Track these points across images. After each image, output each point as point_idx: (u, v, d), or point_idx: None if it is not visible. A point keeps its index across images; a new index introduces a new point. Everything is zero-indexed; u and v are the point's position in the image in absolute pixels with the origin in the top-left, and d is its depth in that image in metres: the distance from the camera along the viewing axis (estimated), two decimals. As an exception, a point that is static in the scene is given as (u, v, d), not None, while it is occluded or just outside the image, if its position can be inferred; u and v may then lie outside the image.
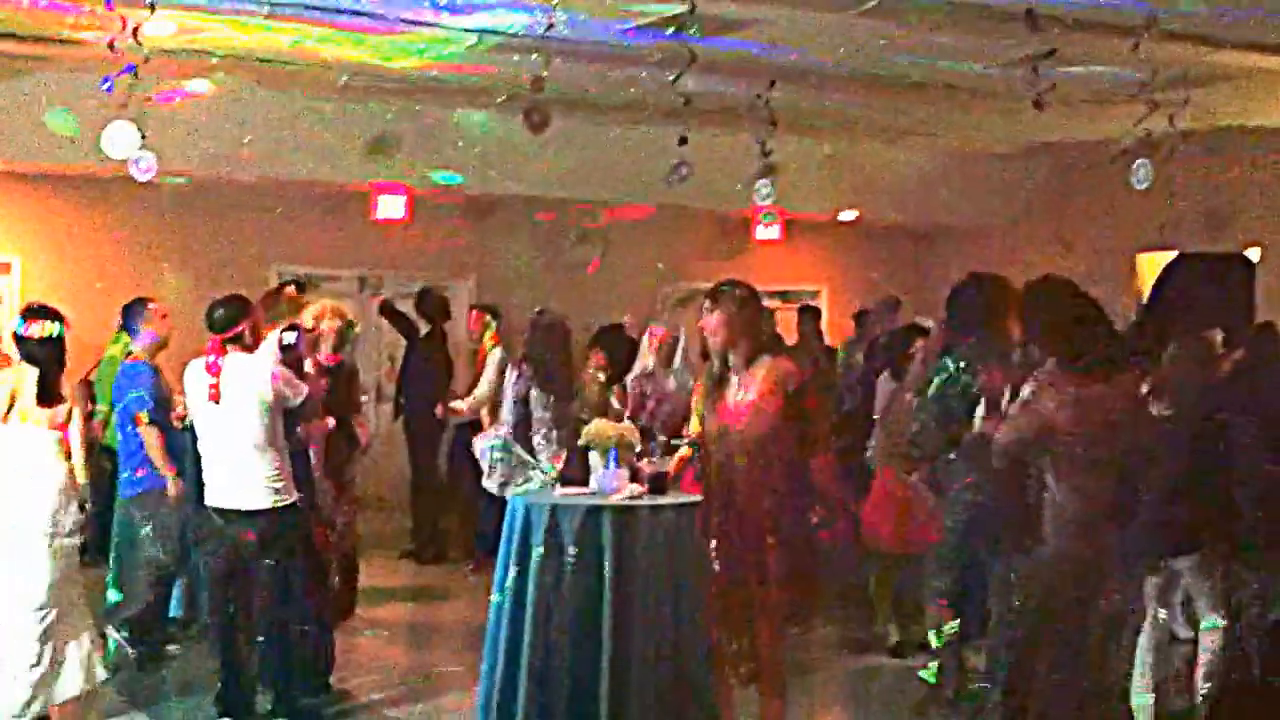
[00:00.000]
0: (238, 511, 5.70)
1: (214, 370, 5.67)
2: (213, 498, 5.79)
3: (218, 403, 5.66)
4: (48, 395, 5.59)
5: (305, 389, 5.86)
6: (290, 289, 8.38)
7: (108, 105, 6.66)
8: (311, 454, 6.26)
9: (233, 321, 5.74)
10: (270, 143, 9.38)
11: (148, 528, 6.61)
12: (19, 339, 5.67)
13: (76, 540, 5.75)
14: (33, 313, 5.77)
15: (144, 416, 6.47)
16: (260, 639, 5.88)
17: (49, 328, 5.64)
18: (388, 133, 9.66)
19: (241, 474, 5.68)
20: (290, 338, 6.01)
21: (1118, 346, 4.67)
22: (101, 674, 5.59)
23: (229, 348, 5.70)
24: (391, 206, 10.75)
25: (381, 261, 11.48)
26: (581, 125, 9.75)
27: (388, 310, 10.10)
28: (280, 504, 5.72)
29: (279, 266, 10.94)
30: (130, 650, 6.63)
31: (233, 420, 5.66)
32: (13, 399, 5.58)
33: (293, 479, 5.82)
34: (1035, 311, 4.68)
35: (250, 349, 5.77)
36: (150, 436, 6.48)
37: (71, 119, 8.09)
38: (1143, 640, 5.42)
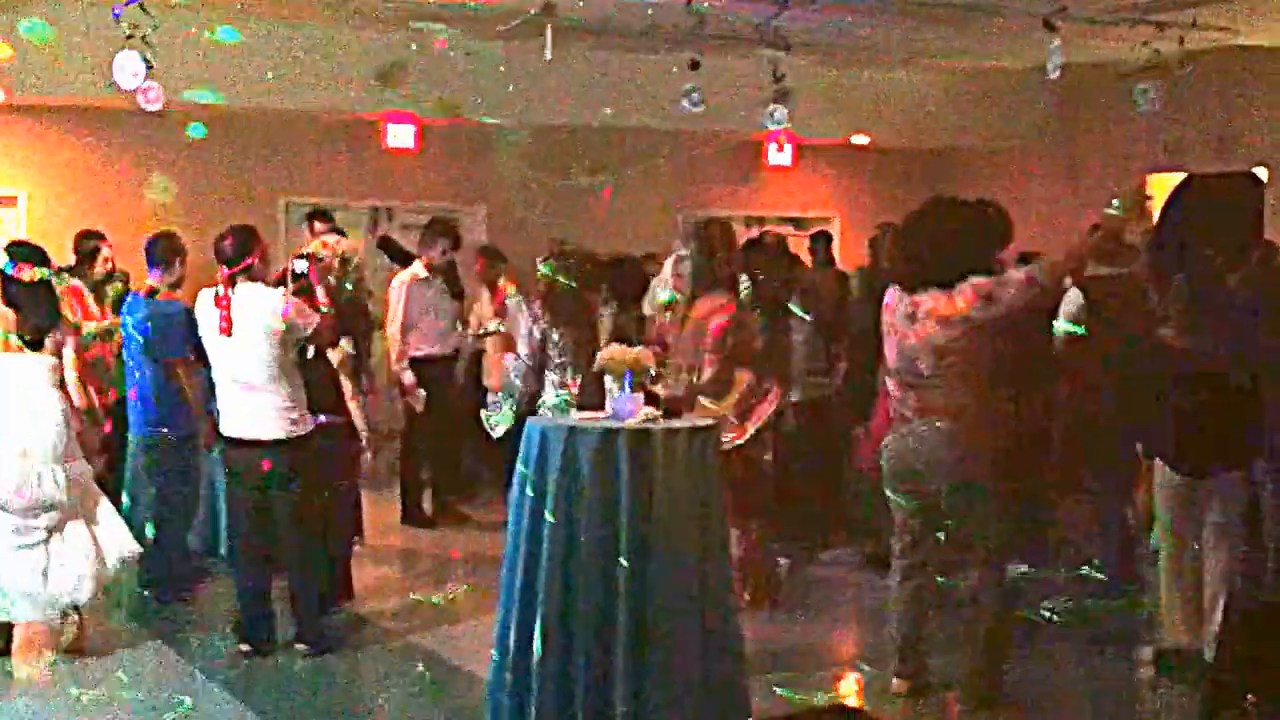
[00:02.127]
0: (255, 442, 5.73)
1: (224, 303, 5.67)
2: (229, 428, 5.82)
3: (229, 335, 5.66)
4: (35, 340, 5.64)
5: (316, 318, 5.86)
6: (319, 224, 8.43)
7: (116, 38, 6.62)
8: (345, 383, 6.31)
9: (242, 253, 5.73)
10: (278, 72, 9.30)
11: (161, 463, 6.63)
12: (5, 279, 5.68)
13: (86, 467, 5.82)
14: (20, 254, 5.78)
15: (181, 361, 6.45)
16: (282, 568, 5.96)
17: (38, 272, 5.69)
18: (396, 61, 9.58)
19: (256, 405, 5.70)
20: (301, 266, 6.03)
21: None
22: (90, 588, 5.70)
23: (239, 279, 5.70)
24: (401, 136, 10.71)
25: (391, 193, 11.44)
26: (593, 51, 9.67)
27: (388, 244, 10.09)
28: (295, 434, 5.76)
29: (288, 199, 10.93)
30: (142, 587, 6.71)
31: (245, 352, 5.68)
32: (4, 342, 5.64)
33: (307, 407, 5.85)
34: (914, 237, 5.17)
35: (260, 280, 5.77)
36: (189, 379, 6.46)
37: (49, 30, 7.98)
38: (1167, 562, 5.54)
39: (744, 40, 8.12)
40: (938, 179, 12.66)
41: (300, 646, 5.88)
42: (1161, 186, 6.10)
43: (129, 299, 6.96)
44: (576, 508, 4.61)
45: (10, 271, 5.72)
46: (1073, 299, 6.43)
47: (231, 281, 5.70)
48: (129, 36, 6.72)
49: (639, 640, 4.55)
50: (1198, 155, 9.80)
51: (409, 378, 8.38)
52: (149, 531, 6.40)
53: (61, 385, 5.76)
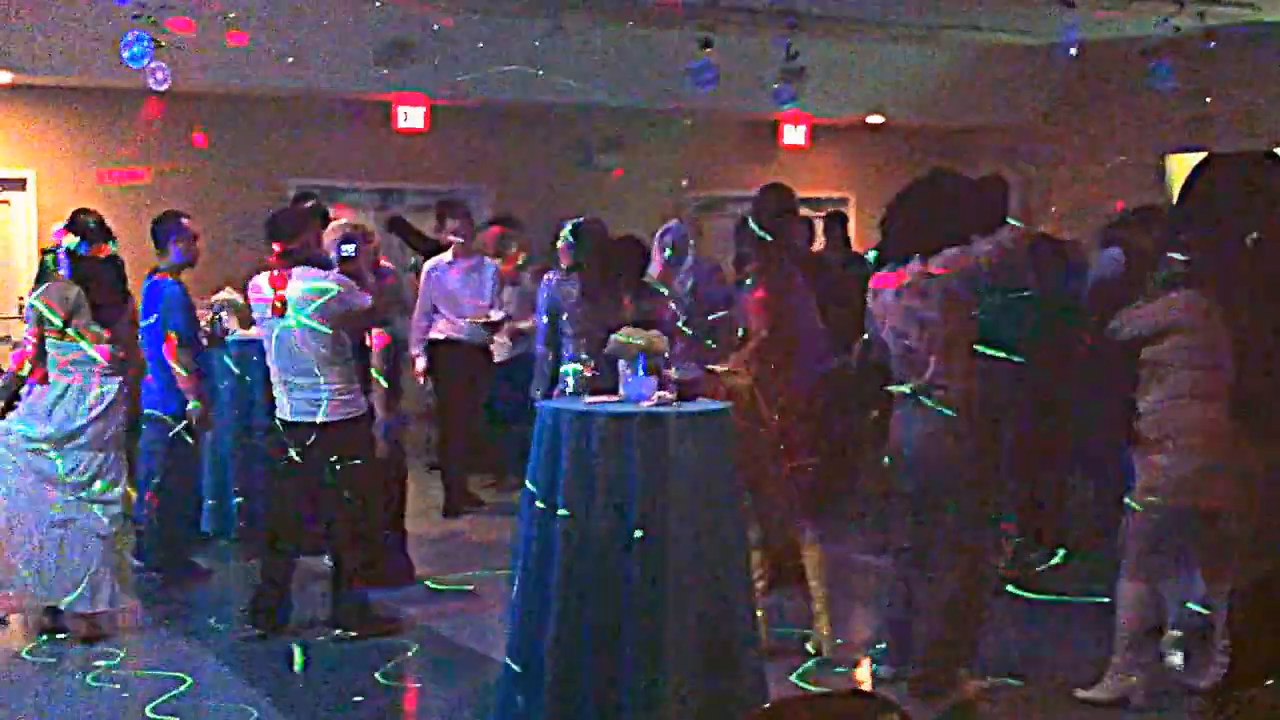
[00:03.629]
0: (308, 424, 5.69)
1: (278, 283, 5.64)
2: (281, 411, 5.79)
3: (282, 316, 5.63)
4: (105, 314, 5.70)
5: (368, 299, 5.84)
6: (308, 205, 8.35)
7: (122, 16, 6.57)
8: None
9: (295, 233, 5.71)
10: (286, 53, 9.24)
11: (157, 442, 6.64)
12: (77, 257, 5.69)
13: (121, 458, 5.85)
14: (94, 233, 5.82)
15: (174, 336, 6.45)
16: (306, 552, 5.97)
17: (109, 249, 5.79)
18: (403, 40, 9.52)
19: (309, 387, 5.68)
20: (349, 249, 5.99)
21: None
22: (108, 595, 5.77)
23: (291, 259, 5.67)
24: (411, 117, 10.67)
25: (400, 174, 11.38)
26: (604, 29, 9.57)
27: (398, 225, 10.02)
28: (350, 416, 5.74)
29: (296, 180, 10.86)
30: (142, 564, 6.72)
31: (299, 333, 5.64)
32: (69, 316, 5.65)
33: (361, 390, 5.85)
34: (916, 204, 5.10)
35: (311, 261, 5.74)
36: (181, 356, 6.45)
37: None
38: None
39: (755, 15, 8.04)
40: (955, 158, 12.57)
41: (335, 631, 5.84)
42: (1182, 165, 6.01)
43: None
44: (589, 491, 4.55)
45: (85, 251, 5.70)
46: (1115, 256, 6.36)
47: (285, 262, 5.64)
48: (136, 17, 6.67)
49: (653, 623, 4.50)
50: (1219, 133, 9.68)
51: (421, 363, 8.35)
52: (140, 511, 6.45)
53: (122, 370, 5.81)
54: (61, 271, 5.82)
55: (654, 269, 7.12)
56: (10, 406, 5.90)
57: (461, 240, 8.49)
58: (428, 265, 8.59)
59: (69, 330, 5.69)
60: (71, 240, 5.79)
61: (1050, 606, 5.91)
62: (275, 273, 5.67)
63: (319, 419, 5.66)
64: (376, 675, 5.43)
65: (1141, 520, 4.94)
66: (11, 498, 5.74)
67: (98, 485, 5.76)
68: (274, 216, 5.80)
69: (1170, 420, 4.87)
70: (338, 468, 5.68)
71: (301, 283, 5.65)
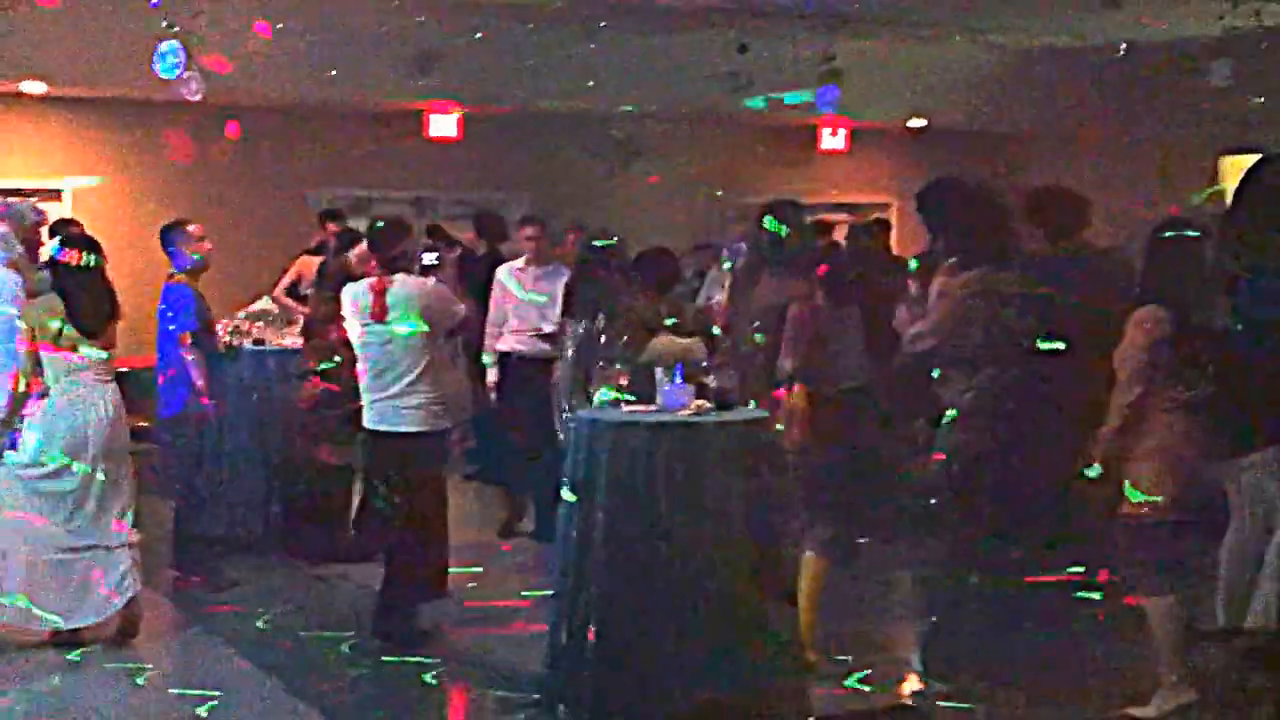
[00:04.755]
0: (399, 434, 5.69)
1: (379, 289, 5.67)
2: (372, 420, 5.78)
3: (383, 321, 5.64)
4: (89, 327, 5.62)
5: (463, 309, 5.89)
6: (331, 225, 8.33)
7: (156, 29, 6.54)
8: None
9: (395, 241, 5.75)
10: (320, 62, 9.19)
11: (171, 444, 6.63)
12: (58, 268, 5.65)
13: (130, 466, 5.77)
14: (69, 240, 5.79)
15: (188, 338, 6.45)
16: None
17: (86, 258, 5.68)
18: (435, 49, 9.45)
19: (402, 395, 5.67)
20: (431, 258, 5.98)
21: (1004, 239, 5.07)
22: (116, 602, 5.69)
23: (391, 267, 5.71)
24: (444, 125, 10.65)
25: (434, 182, 11.32)
26: (636, 35, 9.46)
27: (436, 234, 9.94)
28: (439, 428, 5.76)
29: (330, 190, 10.82)
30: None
31: (395, 342, 5.67)
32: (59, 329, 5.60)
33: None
34: (930, 212, 5.12)
35: (407, 270, 5.78)
36: (194, 359, 6.44)
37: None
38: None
39: (791, 18, 7.90)
40: (998, 162, 12.37)
41: (379, 641, 5.77)
42: (1236, 167, 5.83)
43: None
44: (626, 502, 4.52)
45: (58, 256, 5.66)
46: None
47: (385, 270, 5.69)
48: (168, 27, 6.64)
49: (691, 634, 4.48)
50: (1275, 134, 9.44)
51: (493, 375, 8.02)
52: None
53: (114, 379, 5.75)
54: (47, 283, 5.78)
55: (715, 298, 6.95)
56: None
57: (536, 244, 7.98)
58: (500, 272, 8.33)
59: (60, 341, 5.61)
60: (50, 248, 5.79)
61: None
62: (375, 280, 5.72)
63: (410, 428, 5.67)
64: (422, 683, 5.33)
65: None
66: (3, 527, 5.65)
67: (111, 498, 5.68)
68: (372, 226, 5.90)
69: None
70: (417, 478, 5.70)
71: (403, 289, 5.68)
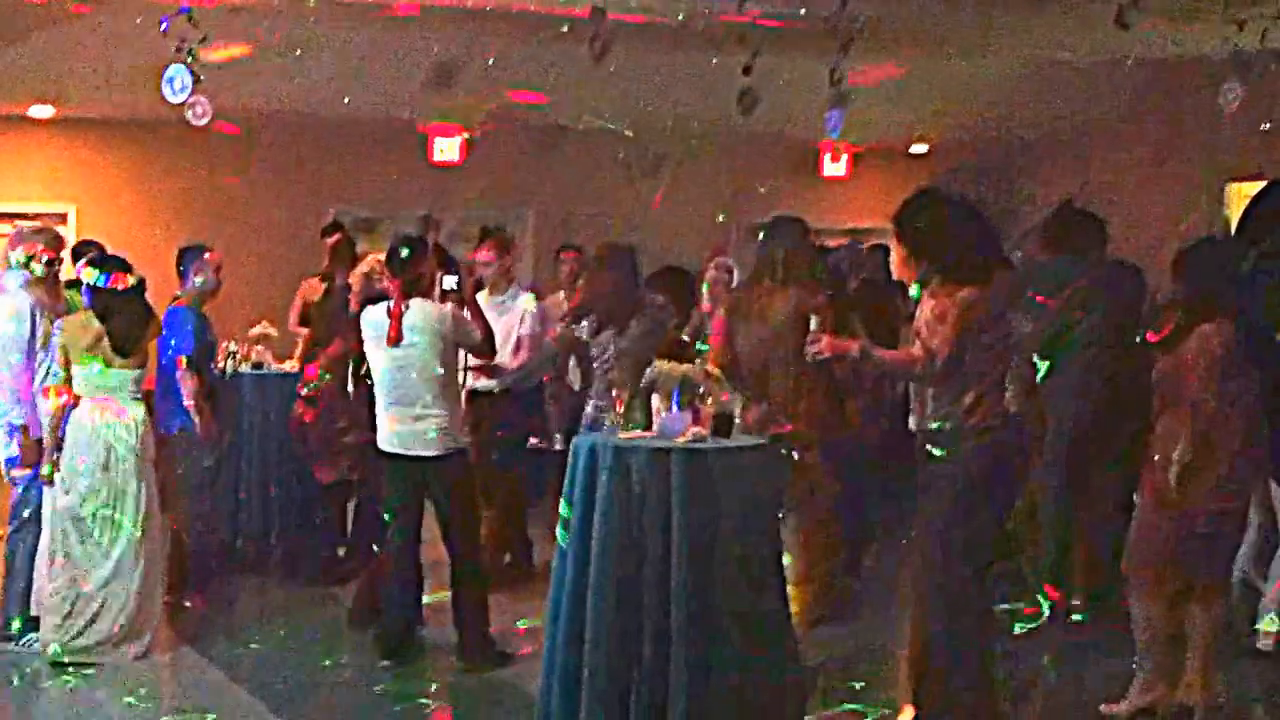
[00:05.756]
0: (414, 458, 5.71)
1: (397, 312, 5.67)
2: (386, 443, 5.79)
3: (397, 344, 5.63)
4: (127, 348, 5.81)
5: (480, 332, 5.89)
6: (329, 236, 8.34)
7: (162, 50, 6.54)
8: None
9: (415, 263, 5.74)
10: (326, 81, 9.21)
11: (182, 469, 6.66)
12: (97, 290, 5.71)
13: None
14: (109, 264, 5.93)
15: (184, 360, 6.49)
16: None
17: (129, 280, 5.86)
18: (445, 66, 9.46)
19: (417, 419, 5.68)
20: (451, 282, 5.97)
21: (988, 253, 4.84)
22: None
23: (409, 290, 5.72)
24: (447, 150, 10.62)
25: (441, 201, 11.32)
26: (644, 54, 9.45)
27: (438, 253, 9.92)
28: (454, 450, 5.76)
29: (337, 209, 10.82)
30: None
31: (411, 365, 5.67)
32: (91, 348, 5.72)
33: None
34: (911, 233, 4.77)
35: (426, 292, 5.79)
36: (189, 381, 6.48)
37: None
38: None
39: (802, 38, 7.86)
40: (1001, 186, 12.33)
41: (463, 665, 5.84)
42: (1241, 194, 5.83)
43: None
44: (626, 527, 4.50)
45: (105, 284, 5.80)
46: None
47: (404, 294, 5.67)
48: (177, 50, 6.66)
49: (692, 662, 4.45)
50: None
51: None
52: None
53: (145, 397, 5.94)
54: (84, 301, 5.98)
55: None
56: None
57: (494, 268, 7.37)
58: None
59: (93, 359, 5.74)
60: (91, 274, 5.89)
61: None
62: (393, 302, 5.72)
63: (426, 452, 5.69)
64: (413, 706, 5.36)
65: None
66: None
67: (130, 513, 5.77)
68: (392, 249, 5.87)
69: None
70: (450, 502, 5.75)
71: (420, 313, 5.68)
